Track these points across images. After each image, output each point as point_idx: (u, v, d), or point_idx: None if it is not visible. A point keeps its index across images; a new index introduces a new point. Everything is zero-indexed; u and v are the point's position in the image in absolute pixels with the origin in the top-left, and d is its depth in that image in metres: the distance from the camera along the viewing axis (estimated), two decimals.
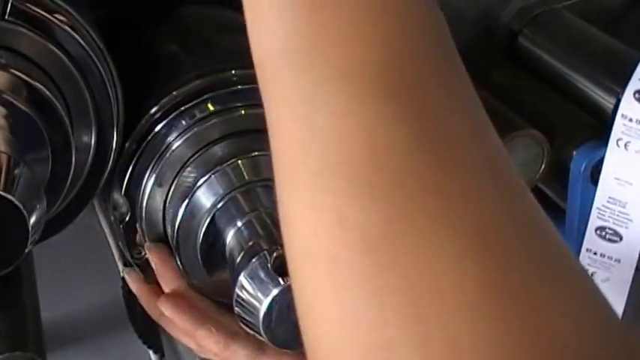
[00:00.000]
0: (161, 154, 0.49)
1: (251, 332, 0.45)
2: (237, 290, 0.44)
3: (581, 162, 0.57)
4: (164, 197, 0.50)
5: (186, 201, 0.49)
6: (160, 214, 0.51)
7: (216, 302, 0.52)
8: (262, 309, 0.43)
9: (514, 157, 0.57)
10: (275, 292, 0.43)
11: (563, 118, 0.61)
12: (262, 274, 0.43)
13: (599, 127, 0.58)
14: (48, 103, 0.42)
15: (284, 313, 0.43)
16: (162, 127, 0.50)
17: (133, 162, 0.50)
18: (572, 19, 0.66)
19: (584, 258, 0.59)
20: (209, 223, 0.49)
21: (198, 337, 0.49)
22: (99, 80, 0.45)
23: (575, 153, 0.58)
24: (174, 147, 0.49)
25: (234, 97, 0.50)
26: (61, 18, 0.43)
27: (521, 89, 0.65)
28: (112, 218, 0.52)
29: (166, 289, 0.51)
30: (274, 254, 0.44)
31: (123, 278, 0.69)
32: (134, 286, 0.54)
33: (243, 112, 0.50)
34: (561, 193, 0.61)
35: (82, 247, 0.70)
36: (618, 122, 0.54)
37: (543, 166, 0.59)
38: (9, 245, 0.38)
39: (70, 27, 0.44)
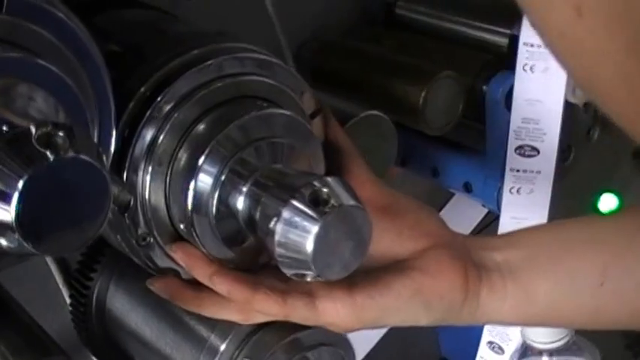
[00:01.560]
0: (151, 145, 0.50)
1: (295, 272, 0.48)
2: (278, 235, 0.46)
3: (496, 92, 0.66)
4: (164, 182, 0.51)
5: (192, 184, 0.50)
6: (163, 200, 0.52)
7: None
8: (310, 243, 0.46)
9: (441, 97, 0.65)
10: (320, 224, 0.46)
11: (464, 61, 0.70)
12: (303, 210, 0.46)
13: (497, 62, 0.68)
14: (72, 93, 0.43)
15: (329, 243, 0.47)
16: (144, 123, 0.50)
17: (128, 157, 0.51)
18: None
19: (509, 177, 0.68)
20: (218, 199, 0.50)
21: (257, 302, 0.50)
22: (97, 71, 0.46)
23: (487, 86, 0.66)
24: (160, 139, 0.50)
25: (203, 74, 0.52)
26: (57, 9, 0.44)
27: (414, 46, 0.73)
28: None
29: (204, 279, 0.52)
30: (308, 190, 0.47)
31: (71, 304, 0.68)
32: (165, 293, 0.54)
33: (216, 85, 0.52)
34: (478, 125, 0.69)
35: (23, 280, 0.68)
36: (522, 50, 0.64)
37: (463, 102, 0.67)
38: (92, 210, 0.39)
39: (67, 17, 0.44)
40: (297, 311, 0.51)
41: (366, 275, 0.52)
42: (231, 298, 0.51)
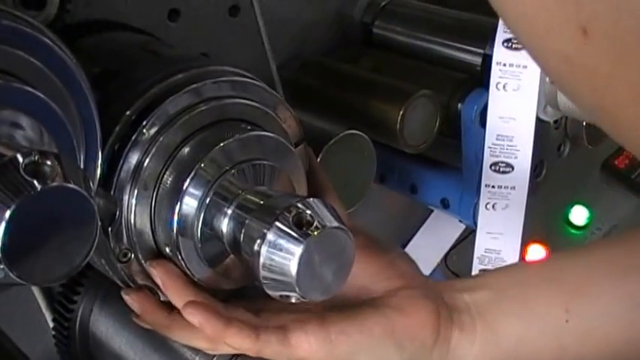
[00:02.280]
0: (137, 169, 0.51)
1: (280, 294, 0.48)
2: (263, 257, 0.47)
3: (470, 110, 0.67)
4: (150, 206, 0.51)
5: (177, 207, 0.51)
6: (148, 224, 0.52)
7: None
8: (294, 265, 0.47)
9: (418, 116, 0.66)
10: (303, 246, 0.47)
11: (440, 80, 0.71)
12: (288, 232, 0.47)
13: (471, 81, 0.69)
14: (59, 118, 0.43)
15: (313, 265, 0.47)
16: (130, 146, 0.51)
17: (114, 181, 0.51)
18: (414, 4, 0.77)
19: (485, 193, 0.70)
20: (203, 222, 0.51)
21: (229, 336, 0.49)
22: (83, 96, 0.47)
23: (462, 104, 0.68)
24: (146, 162, 0.51)
25: (188, 98, 0.52)
26: (44, 35, 0.45)
27: (391, 65, 0.74)
28: None
29: (178, 301, 0.51)
30: (292, 212, 0.47)
31: (54, 328, 0.67)
32: (137, 306, 0.53)
33: (200, 108, 0.53)
34: (454, 142, 0.71)
35: (5, 304, 0.67)
36: (494, 69, 0.65)
37: (439, 121, 0.68)
38: (80, 239, 0.39)
39: (53, 43, 0.45)
40: (269, 346, 0.50)
41: (340, 311, 0.53)
42: (203, 331, 0.50)
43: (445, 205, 0.76)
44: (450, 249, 0.92)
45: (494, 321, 0.54)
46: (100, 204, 0.50)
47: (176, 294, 0.52)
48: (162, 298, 0.54)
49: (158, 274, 0.52)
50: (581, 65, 0.27)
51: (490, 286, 0.56)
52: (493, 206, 0.70)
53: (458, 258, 0.92)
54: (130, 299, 0.53)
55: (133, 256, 0.52)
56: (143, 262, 0.53)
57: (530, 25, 0.28)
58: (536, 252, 0.91)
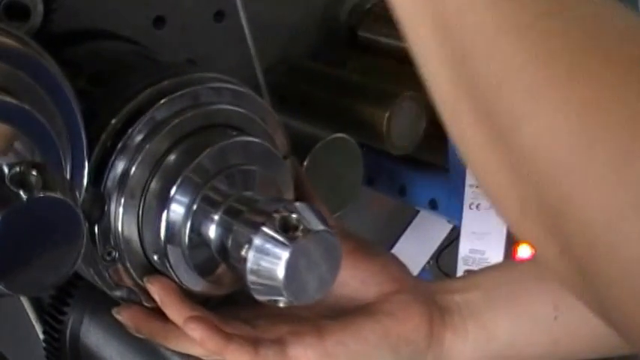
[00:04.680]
0: (123, 177, 0.51)
1: (268, 298, 0.49)
2: (250, 262, 0.47)
3: None
4: (137, 214, 0.52)
5: (164, 214, 0.51)
6: (136, 232, 0.52)
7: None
8: (281, 269, 0.47)
9: (405, 117, 0.67)
10: (290, 250, 0.47)
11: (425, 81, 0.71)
12: (274, 237, 0.47)
13: None
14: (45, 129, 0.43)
15: (300, 269, 0.48)
16: (116, 154, 0.51)
17: (101, 190, 0.51)
18: None
19: (468, 193, 0.70)
20: (190, 228, 0.51)
21: (229, 352, 0.50)
22: (69, 106, 0.47)
23: None
24: (133, 170, 0.51)
25: (173, 105, 0.53)
26: (29, 47, 0.45)
27: (377, 68, 0.74)
28: None
29: (177, 317, 0.51)
30: (278, 217, 0.48)
31: (45, 339, 0.67)
32: (131, 323, 0.53)
33: (186, 115, 0.53)
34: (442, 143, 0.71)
35: None
36: None
37: (426, 121, 0.68)
38: (66, 248, 0.39)
39: (38, 54, 0.45)
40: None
41: (334, 320, 0.53)
42: (203, 346, 0.50)
43: (434, 206, 0.76)
44: (442, 249, 0.92)
45: (486, 320, 0.55)
46: (87, 199, 0.50)
47: (175, 311, 0.52)
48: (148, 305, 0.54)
49: (155, 290, 0.52)
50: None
51: (480, 286, 0.56)
52: (477, 206, 0.70)
53: (449, 258, 0.92)
54: (123, 318, 0.54)
55: (116, 254, 0.52)
56: (131, 270, 0.53)
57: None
58: (527, 251, 0.91)
